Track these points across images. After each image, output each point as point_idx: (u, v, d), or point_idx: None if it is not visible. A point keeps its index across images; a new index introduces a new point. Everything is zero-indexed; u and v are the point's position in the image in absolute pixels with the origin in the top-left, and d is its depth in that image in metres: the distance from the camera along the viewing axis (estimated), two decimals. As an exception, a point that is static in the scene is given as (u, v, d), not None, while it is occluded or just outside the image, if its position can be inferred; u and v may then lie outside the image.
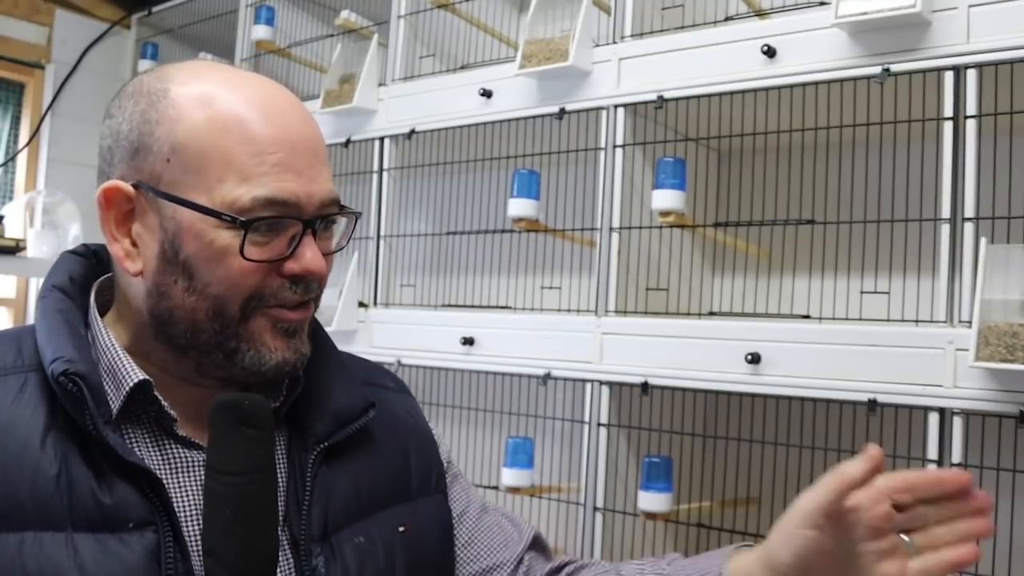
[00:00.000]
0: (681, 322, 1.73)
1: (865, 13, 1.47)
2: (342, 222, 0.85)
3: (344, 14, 2.38)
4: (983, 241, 1.40)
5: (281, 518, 0.80)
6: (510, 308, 2.12)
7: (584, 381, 1.83)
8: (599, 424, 1.80)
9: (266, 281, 0.77)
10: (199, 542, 0.74)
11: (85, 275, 0.87)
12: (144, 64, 2.97)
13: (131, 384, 0.77)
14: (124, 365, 0.78)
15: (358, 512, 0.85)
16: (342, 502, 0.83)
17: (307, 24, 2.70)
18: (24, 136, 2.95)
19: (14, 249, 2.55)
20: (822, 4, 1.60)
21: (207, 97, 0.77)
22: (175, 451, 0.79)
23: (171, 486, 0.77)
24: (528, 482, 1.92)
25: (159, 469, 0.77)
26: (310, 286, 0.80)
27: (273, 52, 2.59)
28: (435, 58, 2.28)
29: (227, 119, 0.76)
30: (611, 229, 1.83)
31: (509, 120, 2.01)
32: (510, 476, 1.91)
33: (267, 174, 0.75)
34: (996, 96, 1.49)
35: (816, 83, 1.59)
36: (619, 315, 1.80)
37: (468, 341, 1.99)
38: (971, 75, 1.43)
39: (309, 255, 0.78)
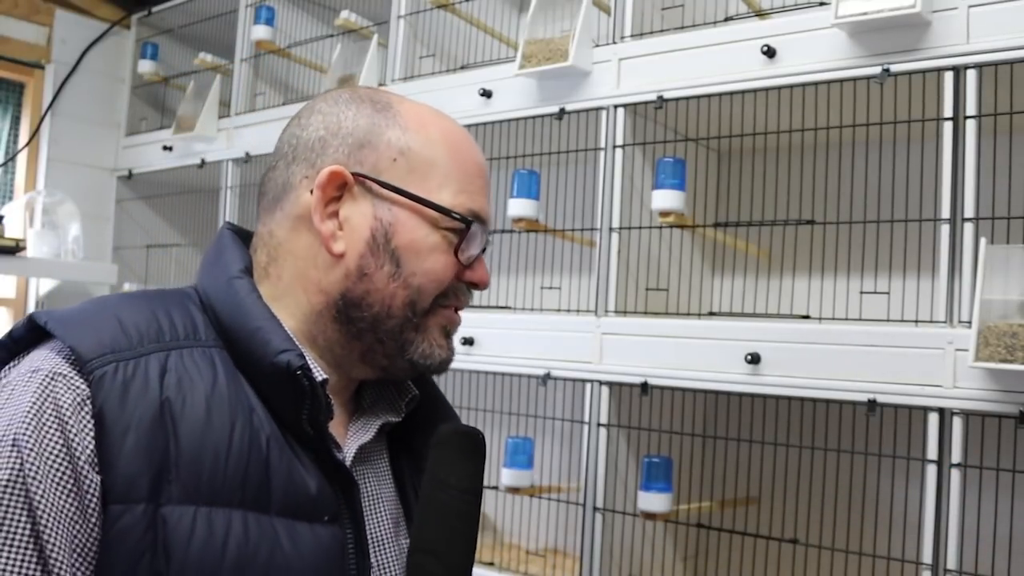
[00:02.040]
0: (681, 322, 1.73)
1: (865, 13, 1.47)
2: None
3: (344, 14, 2.38)
4: (983, 241, 1.40)
5: (394, 526, 0.88)
6: (510, 308, 2.12)
7: (584, 381, 1.83)
8: (599, 424, 1.80)
9: (453, 282, 0.86)
10: (373, 539, 0.83)
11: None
12: (144, 64, 2.97)
13: (318, 380, 0.79)
14: (309, 362, 0.81)
15: None
16: None
17: (307, 24, 2.70)
18: (24, 136, 2.95)
19: (14, 249, 2.55)
20: (822, 4, 1.60)
21: (429, 117, 0.88)
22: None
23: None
24: (528, 482, 1.92)
25: None
26: (471, 295, 0.91)
27: (273, 52, 2.59)
28: (435, 58, 2.28)
29: (452, 139, 0.87)
30: (611, 229, 1.83)
31: (509, 120, 2.01)
32: (510, 476, 1.91)
33: (477, 192, 0.87)
34: (996, 96, 1.49)
35: (816, 83, 1.59)
36: (619, 315, 1.80)
37: (468, 341, 1.99)
38: (971, 75, 1.43)
39: (483, 268, 0.90)
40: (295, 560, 0.73)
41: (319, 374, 0.80)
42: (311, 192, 0.83)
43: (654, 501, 1.69)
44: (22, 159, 2.93)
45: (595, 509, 1.79)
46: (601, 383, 1.80)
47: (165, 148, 2.81)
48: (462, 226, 0.85)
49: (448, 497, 0.81)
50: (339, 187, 0.83)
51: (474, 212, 0.86)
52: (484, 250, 0.90)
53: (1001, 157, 1.64)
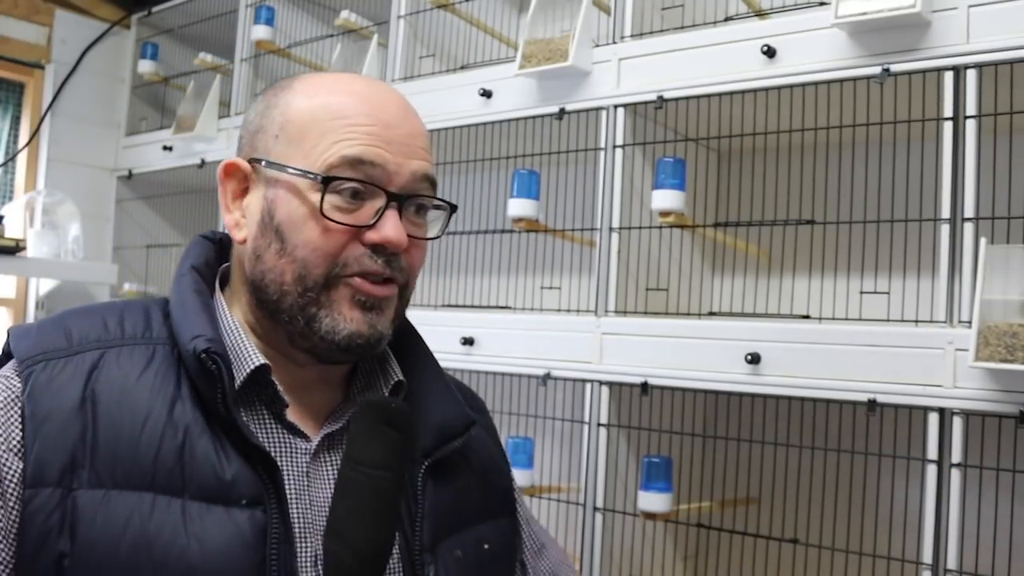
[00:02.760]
0: (681, 322, 1.73)
1: (865, 13, 1.48)
2: (441, 214, 0.89)
3: (344, 14, 2.38)
4: (983, 241, 1.40)
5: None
6: (510, 308, 2.12)
7: (584, 381, 1.83)
8: (599, 424, 1.80)
9: (348, 248, 0.81)
10: (303, 525, 0.79)
11: (214, 259, 0.92)
12: (144, 64, 2.97)
13: (252, 367, 0.81)
14: (247, 347, 0.82)
15: (457, 526, 0.88)
16: (446, 515, 0.87)
17: (307, 24, 2.70)
18: (24, 136, 2.95)
19: (14, 249, 2.55)
20: (822, 4, 1.60)
21: (319, 87, 0.85)
22: (281, 436, 0.83)
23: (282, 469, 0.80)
24: (528, 482, 1.92)
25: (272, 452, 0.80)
26: (392, 262, 0.83)
27: (273, 52, 2.60)
28: (435, 58, 2.28)
29: (330, 100, 0.83)
30: (611, 229, 1.83)
31: (509, 120, 2.01)
32: (510, 476, 1.90)
33: (358, 137, 0.81)
34: (996, 96, 1.49)
35: (816, 83, 1.59)
36: (619, 315, 1.80)
37: (468, 341, 1.99)
38: (971, 75, 1.43)
39: (388, 226, 0.81)
40: (197, 542, 0.73)
41: (254, 360, 0.81)
42: None
43: (654, 501, 1.69)
44: (22, 159, 2.93)
45: (595, 509, 1.79)
46: (601, 383, 1.80)
47: (165, 148, 2.81)
48: (323, 186, 0.80)
49: (356, 474, 0.76)
50: (242, 178, 0.86)
51: (352, 158, 0.80)
52: (400, 207, 0.82)
53: (1001, 157, 1.64)
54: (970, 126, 1.43)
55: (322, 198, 0.80)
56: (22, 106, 2.97)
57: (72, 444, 0.74)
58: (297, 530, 0.79)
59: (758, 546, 1.74)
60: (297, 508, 0.80)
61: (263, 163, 0.84)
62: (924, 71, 1.49)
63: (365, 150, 0.81)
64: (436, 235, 0.89)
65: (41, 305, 2.93)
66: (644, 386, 1.73)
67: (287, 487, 0.79)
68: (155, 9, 3.01)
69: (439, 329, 2.05)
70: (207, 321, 0.81)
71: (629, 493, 1.82)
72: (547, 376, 1.87)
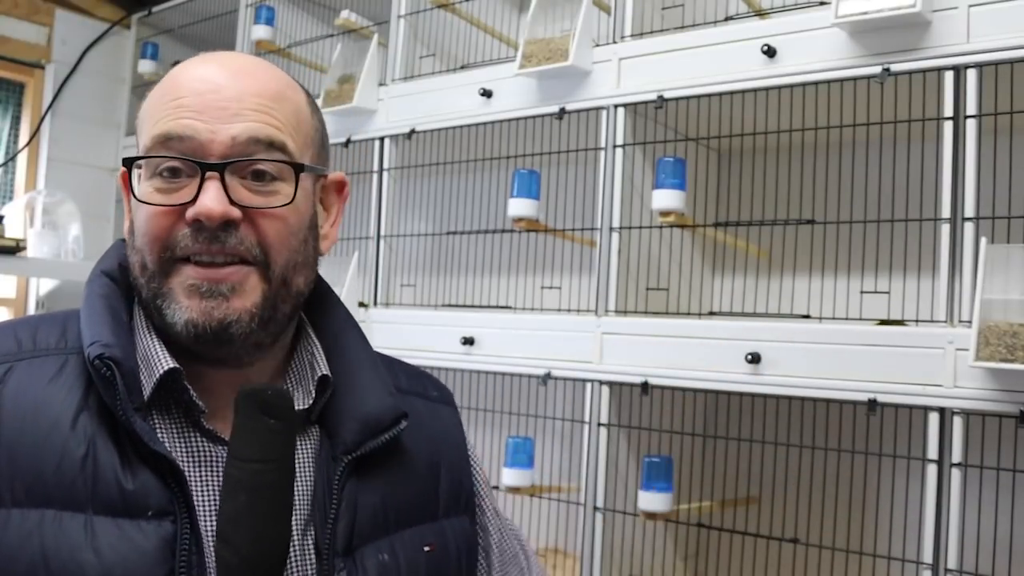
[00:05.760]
0: (681, 322, 1.73)
1: (865, 13, 1.48)
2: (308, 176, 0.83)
3: (344, 14, 2.38)
4: (983, 241, 1.40)
5: (304, 524, 0.80)
6: (510, 308, 2.12)
7: (584, 381, 1.83)
8: (599, 424, 1.80)
9: (174, 230, 0.77)
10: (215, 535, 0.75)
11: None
12: (144, 64, 2.97)
13: (161, 371, 0.77)
14: (156, 352, 0.78)
15: (384, 527, 0.83)
16: (369, 516, 0.82)
17: (307, 24, 2.70)
18: (24, 136, 2.95)
19: (14, 249, 2.55)
20: (822, 4, 1.60)
21: (169, 74, 0.82)
22: (199, 443, 0.78)
23: (192, 478, 0.77)
24: (528, 482, 1.92)
25: (183, 460, 0.77)
26: (222, 238, 0.76)
27: (273, 52, 2.59)
28: (435, 58, 2.28)
29: (165, 85, 0.80)
30: (611, 229, 1.83)
31: (509, 120, 2.01)
32: (510, 476, 1.91)
33: (168, 114, 0.77)
34: (996, 96, 1.49)
35: (816, 83, 1.59)
36: (619, 315, 1.80)
37: (468, 341, 1.99)
38: (971, 75, 1.43)
39: (204, 198, 0.75)
40: (96, 557, 0.70)
41: (164, 364, 0.77)
42: None
43: (654, 501, 1.69)
44: (22, 159, 2.93)
45: (595, 509, 1.79)
46: (601, 383, 1.80)
47: (165, 148, 2.81)
48: (129, 171, 0.79)
49: (236, 471, 0.72)
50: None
51: (161, 135, 0.76)
52: (220, 172, 0.76)
53: (1001, 157, 1.65)
54: (970, 126, 1.43)
55: (130, 182, 0.79)
56: (22, 106, 2.97)
57: None
58: (208, 540, 0.74)
59: (758, 546, 1.74)
60: (214, 518, 0.75)
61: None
62: (924, 71, 1.49)
63: (172, 125, 0.76)
64: (288, 200, 0.79)
65: (41, 305, 2.93)
66: (644, 386, 1.73)
67: (200, 496, 0.76)
68: (155, 9, 3.01)
69: (439, 329, 2.05)
70: (108, 326, 0.77)
71: (629, 493, 1.81)
72: (547, 376, 1.87)
